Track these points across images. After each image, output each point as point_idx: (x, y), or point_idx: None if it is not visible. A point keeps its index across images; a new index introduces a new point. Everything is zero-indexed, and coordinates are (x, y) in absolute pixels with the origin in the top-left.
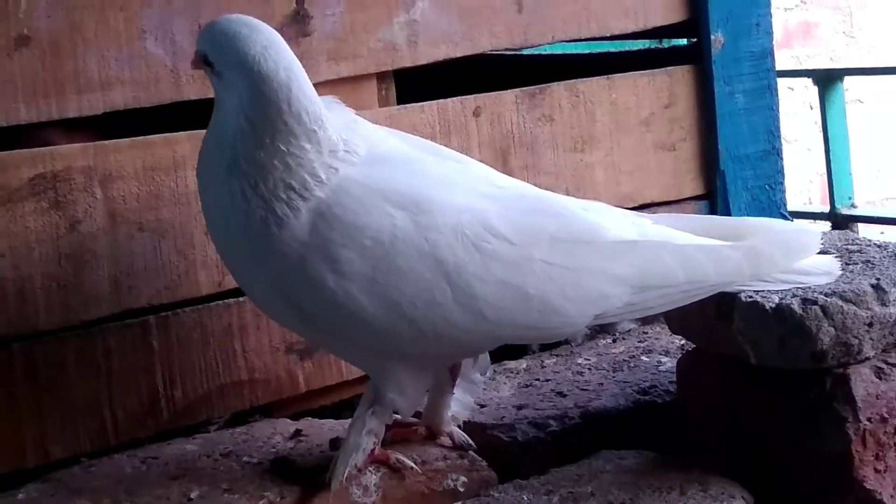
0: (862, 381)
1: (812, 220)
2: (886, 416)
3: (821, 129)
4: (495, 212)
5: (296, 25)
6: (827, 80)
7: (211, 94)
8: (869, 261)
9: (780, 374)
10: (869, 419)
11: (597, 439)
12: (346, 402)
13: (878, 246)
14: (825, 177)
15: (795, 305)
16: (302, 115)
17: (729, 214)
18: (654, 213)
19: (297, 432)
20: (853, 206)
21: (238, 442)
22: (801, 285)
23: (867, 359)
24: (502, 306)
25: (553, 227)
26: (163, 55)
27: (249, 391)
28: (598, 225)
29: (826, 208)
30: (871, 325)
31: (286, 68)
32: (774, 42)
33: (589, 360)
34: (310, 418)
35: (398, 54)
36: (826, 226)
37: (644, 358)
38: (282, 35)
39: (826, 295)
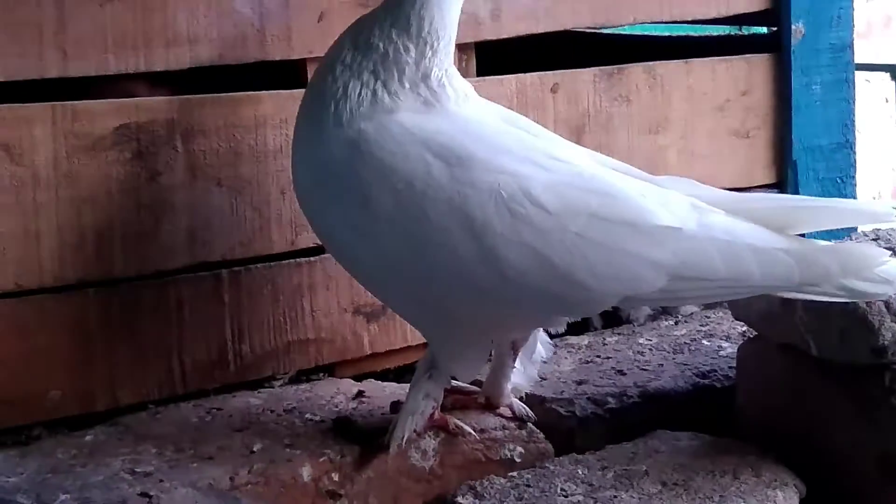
0: None
1: None
2: None
3: None
4: (541, 180)
5: None
6: None
7: (294, 56)
8: None
9: (840, 367)
10: None
11: (654, 419)
12: (409, 366)
13: None
14: None
15: None
16: (424, 21)
17: None
18: None
19: (360, 393)
20: None
21: (301, 399)
22: (854, 300)
23: None
24: (525, 270)
25: (596, 204)
26: (250, 14)
27: (315, 349)
28: (646, 209)
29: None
30: None
31: None
32: (855, 33)
33: (650, 340)
34: (372, 380)
35: (481, 27)
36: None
37: (705, 342)
38: (367, 2)
39: None
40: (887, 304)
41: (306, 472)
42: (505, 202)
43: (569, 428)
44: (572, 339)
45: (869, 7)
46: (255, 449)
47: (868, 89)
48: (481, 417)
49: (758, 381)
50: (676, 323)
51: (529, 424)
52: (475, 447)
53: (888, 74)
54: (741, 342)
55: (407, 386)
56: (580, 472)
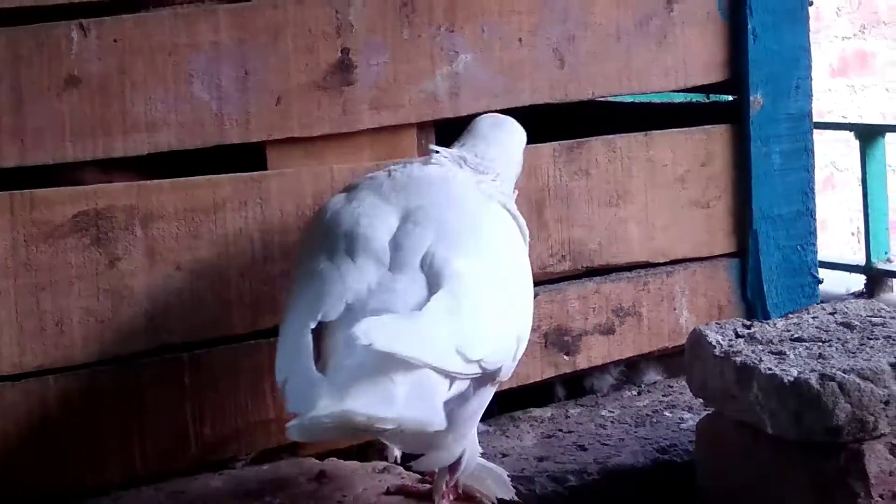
0: (876, 457)
1: (848, 273)
2: None
3: (860, 182)
4: None
5: (340, 74)
6: (868, 136)
7: (253, 139)
8: (890, 336)
9: (796, 445)
10: (881, 496)
11: (614, 496)
12: (371, 442)
13: None
14: None
15: (813, 380)
16: None
17: (760, 273)
18: (689, 269)
19: (321, 473)
20: (889, 260)
21: (262, 480)
22: None
23: (882, 435)
24: None
25: None
26: (208, 99)
27: (277, 429)
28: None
29: (862, 261)
30: (887, 403)
31: None
32: (831, 70)
33: (612, 412)
34: (335, 459)
35: (439, 105)
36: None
37: (667, 413)
38: (325, 83)
39: (844, 372)
40: (841, 385)
41: None
42: None
43: None
44: (535, 412)
45: (843, 44)
46: None
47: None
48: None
49: (716, 457)
50: (639, 393)
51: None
52: None
53: (852, 134)
54: (700, 417)
55: (371, 464)
56: None
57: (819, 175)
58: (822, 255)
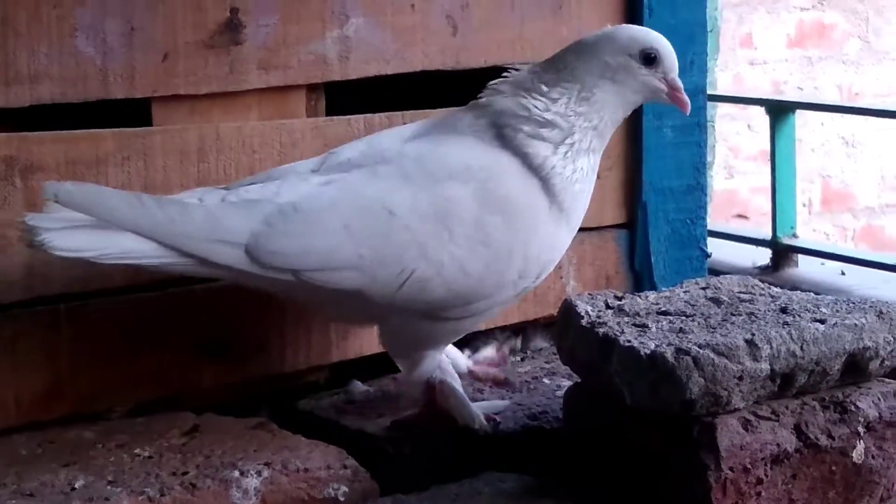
0: (728, 431)
1: (754, 247)
2: (749, 466)
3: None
4: None
5: (228, 34)
6: (778, 111)
7: (138, 95)
8: (753, 313)
9: (654, 417)
10: (731, 468)
11: (485, 459)
12: (249, 399)
13: (772, 296)
14: (827, 180)
15: (668, 354)
16: None
17: (648, 245)
18: (577, 238)
19: (195, 427)
20: (794, 236)
21: (135, 433)
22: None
23: (736, 410)
24: None
25: None
26: (93, 54)
27: (155, 382)
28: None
29: (769, 236)
30: (741, 378)
31: None
32: (788, 39)
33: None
34: (212, 414)
35: (329, 68)
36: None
37: (546, 380)
38: (213, 42)
39: (700, 347)
40: (696, 360)
41: None
42: None
43: (397, 467)
44: None
45: (802, 15)
46: (76, 486)
47: None
48: (306, 456)
49: (582, 425)
50: (523, 359)
51: (354, 462)
52: (298, 486)
53: (763, 108)
54: (568, 386)
55: (247, 420)
56: None
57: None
58: (730, 228)
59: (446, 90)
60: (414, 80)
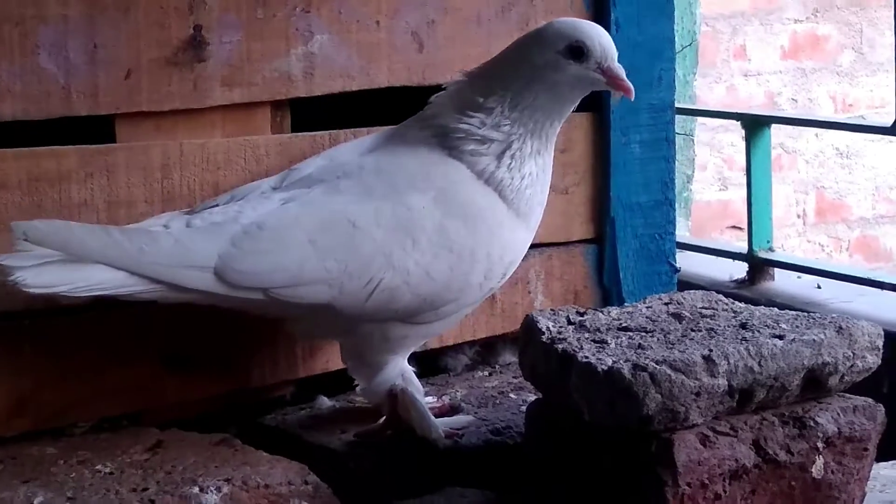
0: (686, 447)
1: (731, 260)
2: (707, 481)
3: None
4: None
5: (192, 51)
6: (754, 126)
7: (101, 112)
8: (713, 329)
9: (612, 433)
10: (689, 484)
11: (446, 475)
12: (212, 413)
13: (734, 312)
14: (819, 192)
15: (625, 370)
16: None
17: (616, 260)
18: (545, 253)
19: (158, 443)
20: (771, 249)
21: (98, 448)
22: None
23: (695, 425)
24: None
25: None
26: (56, 71)
27: (119, 397)
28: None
29: (745, 249)
30: (698, 394)
31: None
32: (782, 51)
33: (460, 391)
34: (176, 429)
35: (293, 85)
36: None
37: (512, 395)
38: (176, 59)
39: (657, 363)
40: (652, 375)
41: None
42: None
43: (360, 482)
44: None
45: (796, 27)
46: (35, 502)
47: None
48: (266, 472)
49: (543, 440)
50: (491, 374)
51: (315, 478)
52: (258, 501)
53: (739, 123)
54: (531, 401)
55: (211, 436)
56: None
57: None
58: (708, 242)
59: (414, 105)
60: (381, 96)
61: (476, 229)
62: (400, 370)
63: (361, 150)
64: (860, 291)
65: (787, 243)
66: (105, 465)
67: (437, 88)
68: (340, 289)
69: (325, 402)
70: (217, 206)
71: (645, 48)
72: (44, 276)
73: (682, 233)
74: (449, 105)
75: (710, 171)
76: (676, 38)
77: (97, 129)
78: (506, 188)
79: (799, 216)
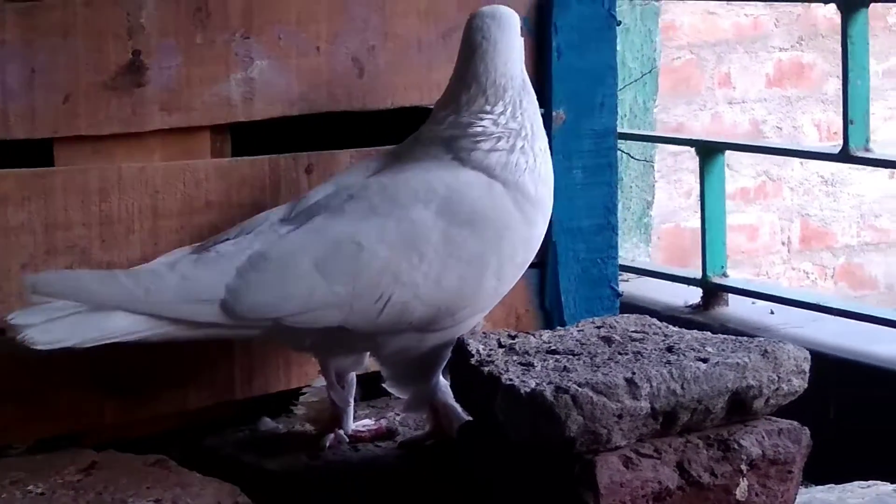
0: (608, 468)
1: (685, 286)
2: (630, 503)
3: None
4: None
5: (130, 75)
6: (708, 152)
7: (38, 135)
8: (640, 352)
9: (537, 455)
10: None
11: (389, 496)
12: (152, 436)
13: (664, 335)
14: (804, 219)
15: (548, 392)
16: None
17: (558, 284)
18: None
19: (93, 464)
20: (725, 275)
21: (32, 469)
22: None
23: (618, 447)
24: None
25: None
26: None
27: (56, 419)
28: None
29: (699, 274)
30: (620, 416)
31: None
32: (767, 79)
33: (399, 414)
34: (113, 451)
35: (233, 109)
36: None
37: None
38: (115, 84)
39: (580, 385)
40: (574, 398)
41: None
42: None
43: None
44: None
45: (781, 55)
46: None
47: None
48: (198, 493)
49: (474, 462)
50: None
51: (242, 496)
52: None
53: (693, 149)
54: (462, 423)
55: (146, 457)
56: None
57: (752, 183)
58: (662, 267)
59: (356, 129)
60: (326, 120)
61: (484, 234)
62: (437, 383)
63: (368, 171)
64: (812, 317)
65: (771, 270)
66: (37, 485)
67: (378, 114)
68: (350, 309)
69: (268, 423)
70: (228, 240)
71: (587, 75)
72: (52, 332)
73: (643, 258)
74: (453, 119)
75: (693, 198)
76: (636, 66)
77: (37, 154)
78: (523, 174)
79: (784, 244)
